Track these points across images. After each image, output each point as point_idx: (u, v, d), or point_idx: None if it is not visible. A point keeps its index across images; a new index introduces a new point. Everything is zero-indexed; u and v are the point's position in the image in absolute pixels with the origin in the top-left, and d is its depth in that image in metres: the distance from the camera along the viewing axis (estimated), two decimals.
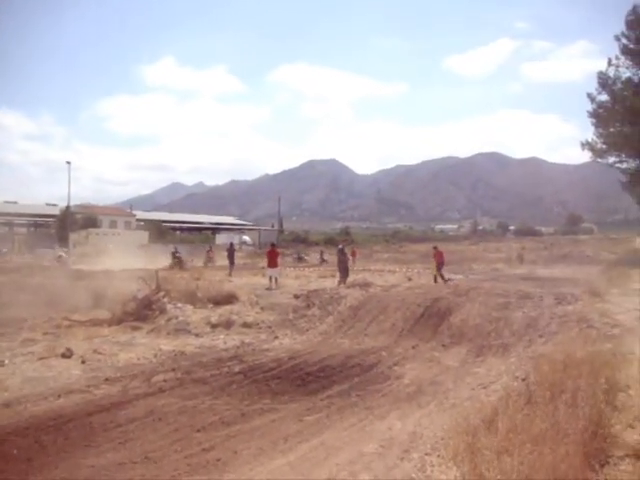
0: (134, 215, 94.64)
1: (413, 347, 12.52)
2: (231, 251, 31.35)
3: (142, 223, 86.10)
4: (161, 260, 33.87)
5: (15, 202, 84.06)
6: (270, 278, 22.61)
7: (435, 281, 23.59)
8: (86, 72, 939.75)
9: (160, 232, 75.73)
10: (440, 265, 24.70)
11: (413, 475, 5.07)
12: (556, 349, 8.80)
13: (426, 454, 5.82)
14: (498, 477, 3.63)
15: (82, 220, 70.69)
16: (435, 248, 26.04)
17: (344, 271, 22.68)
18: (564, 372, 6.41)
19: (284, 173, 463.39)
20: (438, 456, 5.50)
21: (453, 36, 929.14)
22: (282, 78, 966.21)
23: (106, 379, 9.81)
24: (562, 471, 3.67)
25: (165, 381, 9.73)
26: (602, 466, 4.30)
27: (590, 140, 38.90)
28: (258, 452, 6.42)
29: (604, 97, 37.36)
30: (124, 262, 31.79)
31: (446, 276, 23.98)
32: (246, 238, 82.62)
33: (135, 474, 5.82)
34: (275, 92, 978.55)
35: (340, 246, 25.62)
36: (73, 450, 6.53)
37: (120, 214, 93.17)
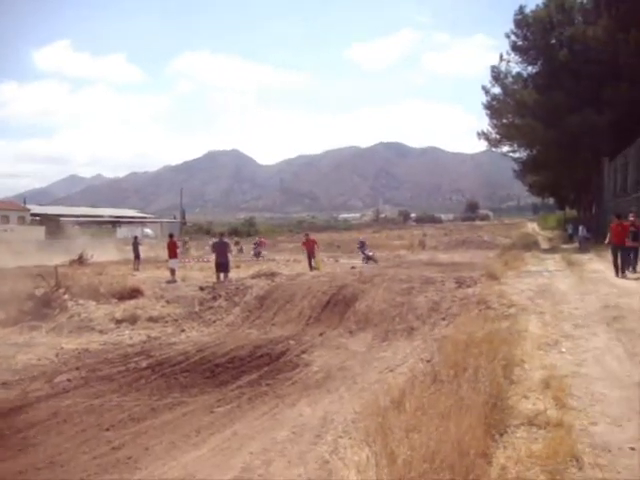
0: (28, 209, 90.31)
1: (320, 334, 12.69)
2: (136, 245, 30.67)
3: (38, 218, 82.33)
4: (60, 256, 32.45)
5: None
6: (172, 270, 22.21)
7: (311, 269, 23.83)
8: None
9: (58, 227, 72.66)
10: (312, 253, 25.26)
11: (327, 457, 5.16)
12: (458, 330, 9.15)
13: (338, 437, 5.95)
14: (408, 453, 3.77)
15: None
16: (307, 235, 27.24)
17: (224, 266, 20.38)
18: (466, 351, 6.70)
19: (185, 164, 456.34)
20: (350, 438, 5.62)
21: (354, 26, 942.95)
22: (183, 67, 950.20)
23: (3, 383, 9.38)
24: (466, 442, 3.87)
25: (69, 381, 9.42)
26: (501, 435, 4.56)
27: (485, 130, 40.79)
28: (170, 447, 6.37)
29: (497, 90, 39.17)
30: (19, 259, 30.32)
31: (350, 264, 24.41)
32: (148, 231, 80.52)
33: None
34: (176, 81, 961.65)
35: (216, 239, 23.39)
36: None
37: (12, 208, 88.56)
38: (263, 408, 7.66)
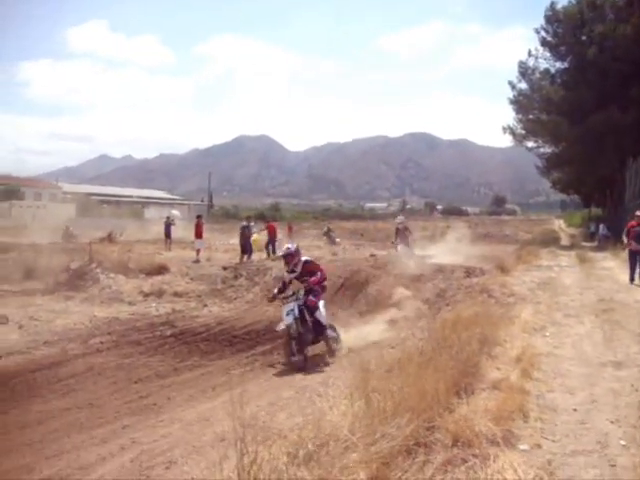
0: (60, 187, 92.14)
1: (332, 314, 13.54)
2: (168, 225, 31.88)
3: (68, 196, 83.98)
4: (90, 233, 33.70)
5: None
6: (197, 250, 23.10)
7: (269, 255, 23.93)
8: (2, 32, 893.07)
9: (88, 205, 74.17)
10: (273, 238, 25.34)
11: (321, 407, 6.06)
12: (454, 314, 9.97)
13: (334, 395, 6.85)
14: (380, 399, 4.65)
15: (3, 192, 68.14)
16: (268, 222, 28.15)
17: (247, 247, 22.23)
18: (452, 329, 7.54)
19: (214, 148, 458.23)
20: (342, 395, 6.52)
21: (385, 15, 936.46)
22: (213, 50, 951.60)
23: (45, 342, 10.48)
24: (428, 393, 4.75)
25: (102, 343, 10.49)
26: (467, 395, 5.42)
27: (511, 125, 41.04)
28: (189, 398, 7.36)
29: (524, 85, 39.43)
30: (52, 236, 31.64)
31: (368, 252, 25.10)
32: (176, 212, 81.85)
33: (81, 416, 6.66)
34: (206, 65, 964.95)
35: (244, 223, 24.40)
36: (20, 400, 7.31)
37: (45, 186, 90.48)
38: (273, 372, 8.61)
